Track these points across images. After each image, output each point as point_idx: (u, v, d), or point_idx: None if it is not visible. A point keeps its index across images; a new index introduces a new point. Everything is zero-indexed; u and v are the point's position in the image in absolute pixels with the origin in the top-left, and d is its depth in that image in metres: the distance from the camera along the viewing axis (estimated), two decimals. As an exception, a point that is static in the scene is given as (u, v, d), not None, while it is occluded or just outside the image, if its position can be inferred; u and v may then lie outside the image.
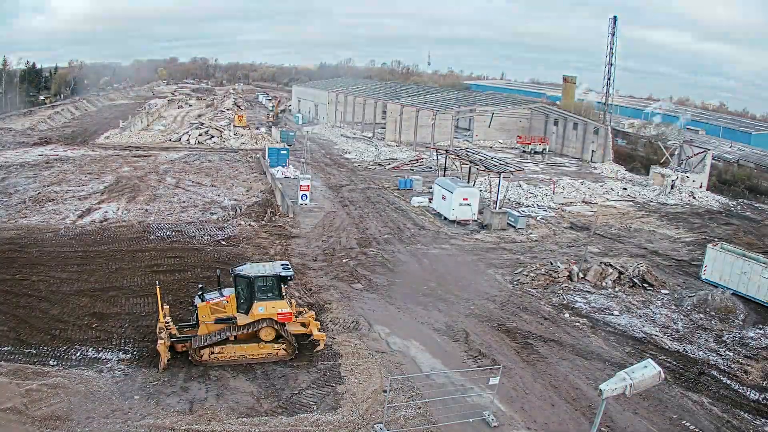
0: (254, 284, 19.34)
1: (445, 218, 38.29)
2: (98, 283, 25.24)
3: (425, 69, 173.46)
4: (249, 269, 19.88)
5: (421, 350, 21.29)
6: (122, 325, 21.49)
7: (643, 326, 24.68)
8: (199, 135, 64.69)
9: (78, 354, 19.40)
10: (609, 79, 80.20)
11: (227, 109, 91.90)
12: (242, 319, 19.53)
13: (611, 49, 77.79)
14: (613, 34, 76.92)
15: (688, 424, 18.00)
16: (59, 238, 30.82)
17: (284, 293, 19.92)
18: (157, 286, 19.54)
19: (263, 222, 35.57)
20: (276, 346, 19.77)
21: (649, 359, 12.82)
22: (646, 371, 11.94)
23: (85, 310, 22.59)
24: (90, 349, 19.71)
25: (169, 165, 51.20)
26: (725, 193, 55.09)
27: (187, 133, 65.58)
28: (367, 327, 22.72)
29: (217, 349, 19.22)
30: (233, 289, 19.74)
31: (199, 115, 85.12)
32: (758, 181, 58.24)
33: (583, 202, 47.23)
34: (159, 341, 18.54)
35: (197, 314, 19.63)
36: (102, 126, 73.39)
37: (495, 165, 43.32)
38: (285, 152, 53.19)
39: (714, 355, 22.57)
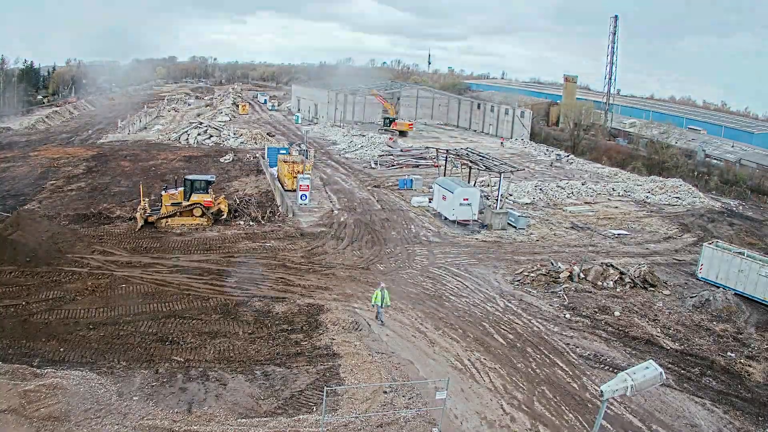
0: (193, 184, 33.81)
1: (446, 218, 38.18)
2: (97, 283, 25.13)
3: (425, 68, 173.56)
4: (192, 177, 34.60)
5: (421, 351, 21.21)
6: (121, 326, 21.39)
7: (645, 327, 24.58)
8: (198, 135, 64.57)
9: (76, 354, 19.30)
10: (610, 78, 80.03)
11: (226, 107, 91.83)
12: (185, 204, 33.64)
13: (612, 48, 77.68)
14: (614, 33, 76.78)
15: (689, 425, 17.92)
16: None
17: (209, 190, 34.51)
18: (141, 185, 35.33)
19: (262, 222, 35.47)
20: (202, 219, 33.71)
21: (651, 360, 12.74)
22: (648, 372, 11.86)
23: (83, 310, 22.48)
24: (88, 350, 19.61)
25: (167, 164, 51.10)
26: (727, 193, 54.97)
27: (186, 132, 65.44)
28: (366, 328, 22.64)
29: (169, 220, 33.14)
30: (183, 186, 33.92)
31: (198, 115, 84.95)
32: (760, 181, 58.10)
33: (585, 202, 47.14)
34: (138, 213, 32.59)
35: (161, 200, 33.86)
36: (101, 127, 73.22)
37: (495, 165, 43.19)
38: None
39: (716, 355, 22.48)
